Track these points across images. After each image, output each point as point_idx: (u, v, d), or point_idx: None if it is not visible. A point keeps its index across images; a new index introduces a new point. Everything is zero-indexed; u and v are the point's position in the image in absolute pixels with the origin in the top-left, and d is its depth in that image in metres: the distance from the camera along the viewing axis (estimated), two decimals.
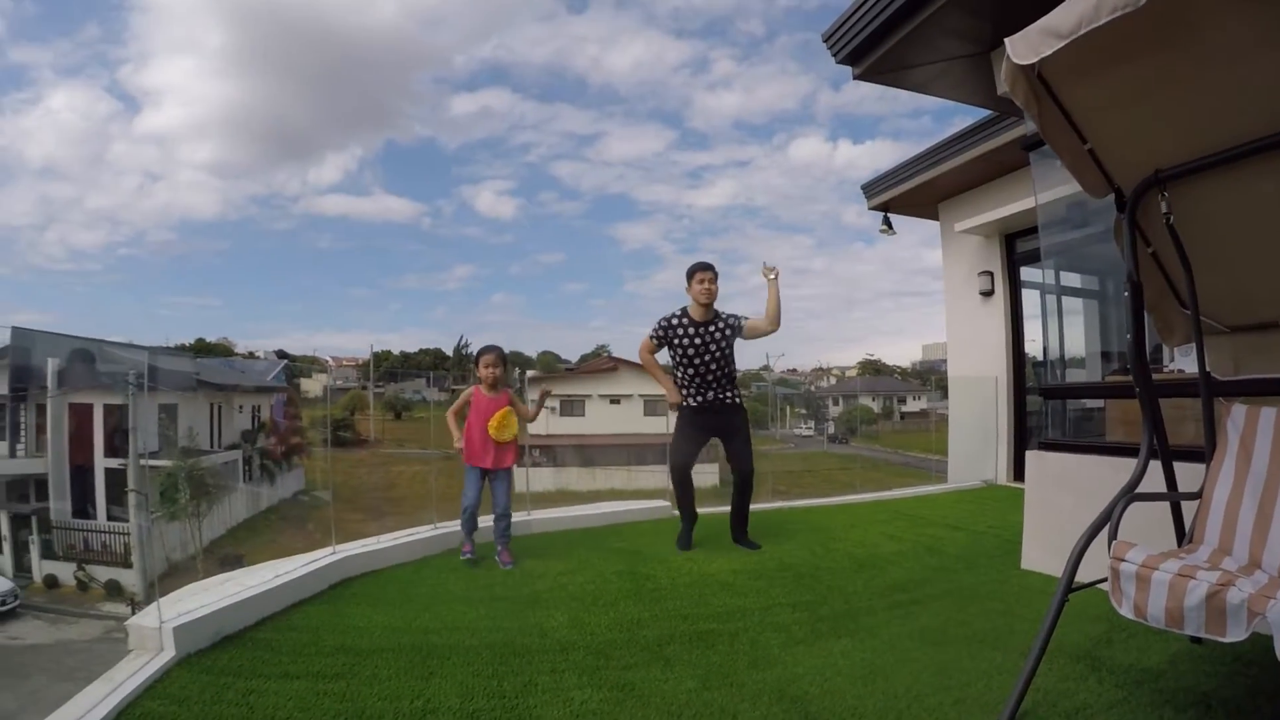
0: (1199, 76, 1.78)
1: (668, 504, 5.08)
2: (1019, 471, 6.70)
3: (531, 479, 5.19)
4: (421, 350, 64.82)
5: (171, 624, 2.41)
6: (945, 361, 8.84)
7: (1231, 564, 1.87)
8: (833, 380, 62.31)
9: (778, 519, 4.94)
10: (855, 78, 4.86)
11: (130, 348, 23.83)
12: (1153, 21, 1.59)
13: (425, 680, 2.24)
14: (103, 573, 16.98)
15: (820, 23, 5.05)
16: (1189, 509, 2.14)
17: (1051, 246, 4.62)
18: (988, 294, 7.45)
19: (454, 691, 2.16)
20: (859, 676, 2.23)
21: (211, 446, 22.24)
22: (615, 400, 31.44)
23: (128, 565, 17.22)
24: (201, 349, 48.99)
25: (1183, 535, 2.15)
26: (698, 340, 3.86)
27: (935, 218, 8.40)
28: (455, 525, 3.87)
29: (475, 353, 4.02)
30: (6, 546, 17.18)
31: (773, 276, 3.88)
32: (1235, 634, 1.50)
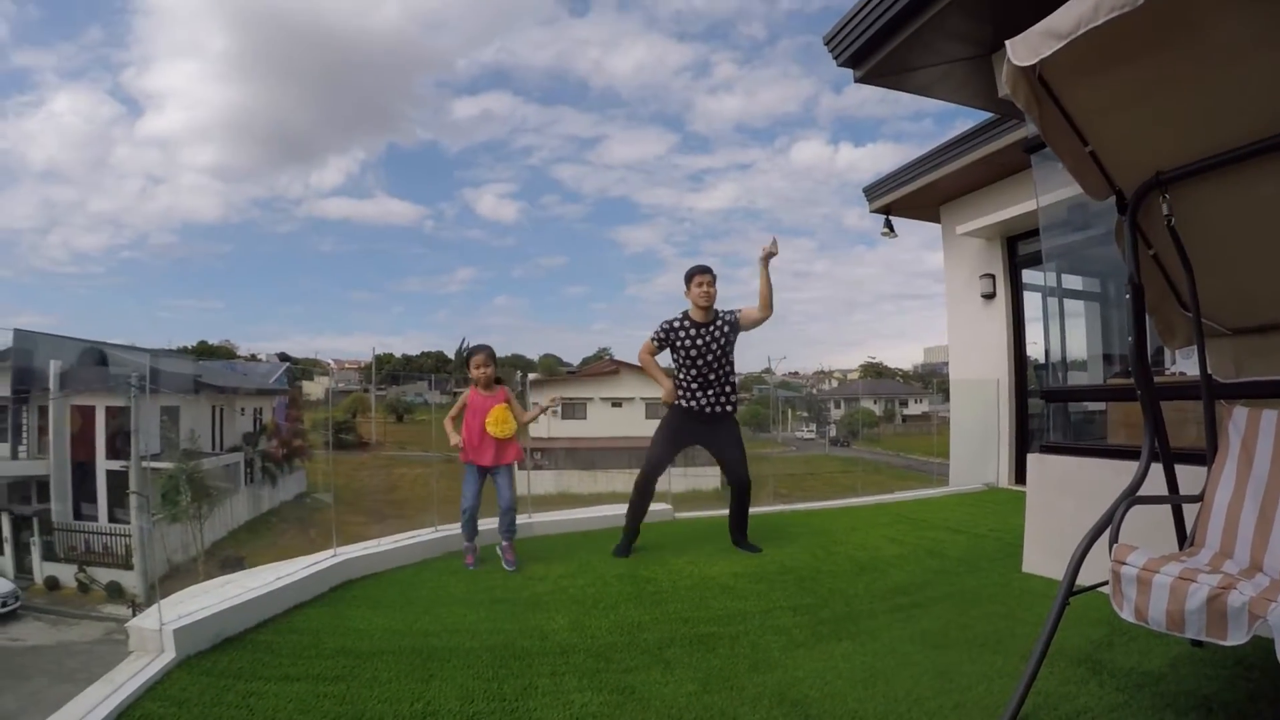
0: (1200, 77, 1.78)
1: (669, 507, 5.08)
2: (1020, 474, 6.69)
3: (533, 482, 5.19)
4: (423, 353, 64.82)
5: (172, 626, 2.41)
6: (947, 364, 8.83)
7: (1233, 567, 1.86)
8: (834, 383, 62.23)
9: (779, 522, 4.93)
10: (857, 80, 4.87)
11: (132, 350, 23.87)
12: (1152, 22, 1.59)
13: (425, 683, 2.24)
14: (104, 574, 17.00)
15: (822, 26, 5.06)
16: (1190, 512, 2.13)
17: (1053, 249, 4.62)
18: (989, 297, 7.45)
19: (454, 694, 2.16)
20: (860, 680, 2.23)
21: (213, 449, 22.27)
22: (617, 403, 31.47)
23: (129, 567, 17.24)
24: (204, 351, 49.10)
25: (1184, 538, 2.15)
26: (699, 342, 3.87)
27: (937, 220, 8.40)
28: (456, 528, 3.86)
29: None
30: (8, 548, 17.21)
31: (767, 262, 3.82)
32: (1236, 637, 1.50)
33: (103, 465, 18.84)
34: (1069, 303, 5.82)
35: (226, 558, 16.79)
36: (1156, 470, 2.06)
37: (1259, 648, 1.53)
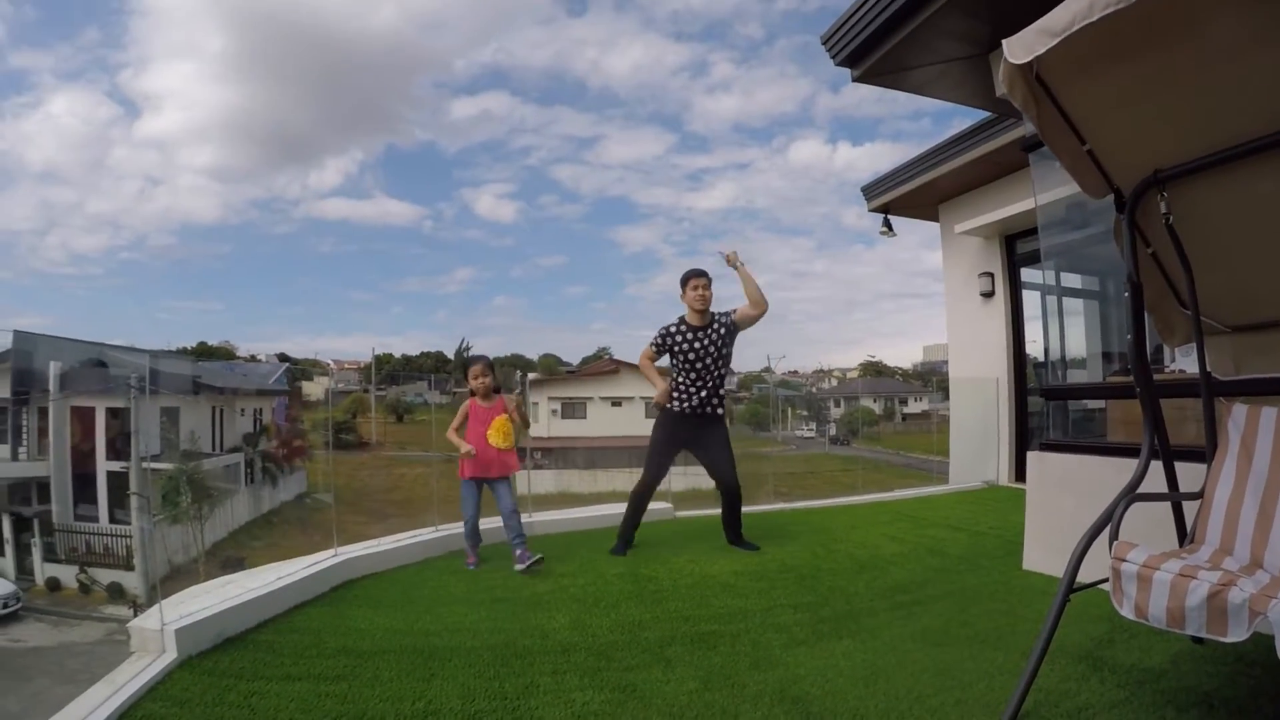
0: (1197, 76, 1.78)
1: (669, 505, 5.08)
2: (1020, 472, 6.70)
3: (533, 481, 5.19)
4: (423, 353, 64.83)
5: (173, 626, 2.42)
6: (946, 363, 8.84)
7: (1233, 564, 1.86)
8: (834, 382, 62.28)
9: (779, 520, 4.93)
10: (854, 80, 4.87)
11: (132, 351, 23.86)
12: (1149, 20, 1.60)
13: (427, 682, 2.24)
14: (105, 575, 17.01)
15: (819, 25, 5.06)
16: (1190, 509, 2.14)
17: (1052, 247, 4.62)
18: (988, 295, 7.45)
19: (455, 693, 2.16)
20: (860, 677, 2.23)
21: (213, 449, 22.27)
22: (616, 403, 31.48)
23: (130, 568, 17.25)
24: (204, 352, 49.08)
25: (1184, 535, 2.15)
26: (698, 345, 3.89)
27: (935, 219, 8.40)
28: (457, 527, 3.87)
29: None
30: (9, 549, 17.22)
31: (738, 264, 3.91)
32: (1237, 634, 1.50)
33: (103, 466, 18.85)
34: (1068, 301, 5.82)
35: (227, 558, 16.79)
36: (1156, 468, 2.07)
37: (1259, 644, 1.53)
